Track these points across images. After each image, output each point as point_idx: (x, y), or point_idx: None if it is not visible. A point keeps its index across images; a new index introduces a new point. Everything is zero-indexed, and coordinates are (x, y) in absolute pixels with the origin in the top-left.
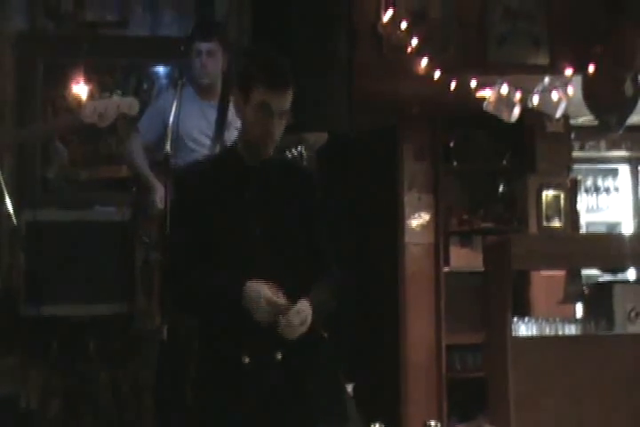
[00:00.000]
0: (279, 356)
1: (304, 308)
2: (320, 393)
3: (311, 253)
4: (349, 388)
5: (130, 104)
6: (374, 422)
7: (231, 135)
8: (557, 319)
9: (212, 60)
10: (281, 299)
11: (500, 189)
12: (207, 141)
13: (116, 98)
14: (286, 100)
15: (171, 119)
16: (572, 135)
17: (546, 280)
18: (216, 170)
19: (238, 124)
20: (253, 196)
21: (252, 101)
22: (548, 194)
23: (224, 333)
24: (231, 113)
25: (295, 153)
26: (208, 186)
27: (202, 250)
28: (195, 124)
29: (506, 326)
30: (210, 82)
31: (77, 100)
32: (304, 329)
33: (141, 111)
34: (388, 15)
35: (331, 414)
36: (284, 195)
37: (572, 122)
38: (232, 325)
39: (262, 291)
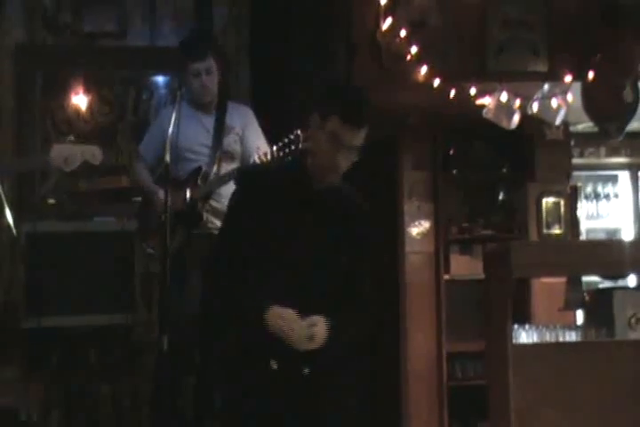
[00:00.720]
0: (306, 370)
1: (318, 323)
2: (336, 410)
3: (348, 283)
4: None
5: (93, 153)
6: None
7: (230, 140)
8: (558, 326)
9: (210, 78)
10: (300, 322)
11: (500, 196)
12: (206, 150)
13: (80, 146)
14: (359, 138)
15: (169, 132)
16: (572, 142)
17: (546, 287)
18: (284, 182)
19: (237, 129)
20: (310, 218)
21: (325, 129)
22: (547, 201)
23: (255, 338)
24: (228, 119)
25: None
26: (271, 194)
27: (244, 255)
28: (193, 136)
29: (506, 334)
30: (211, 99)
31: (76, 112)
32: (315, 345)
33: (143, 126)
34: (387, 23)
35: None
36: (339, 225)
37: (572, 129)
38: (262, 334)
39: (282, 318)
